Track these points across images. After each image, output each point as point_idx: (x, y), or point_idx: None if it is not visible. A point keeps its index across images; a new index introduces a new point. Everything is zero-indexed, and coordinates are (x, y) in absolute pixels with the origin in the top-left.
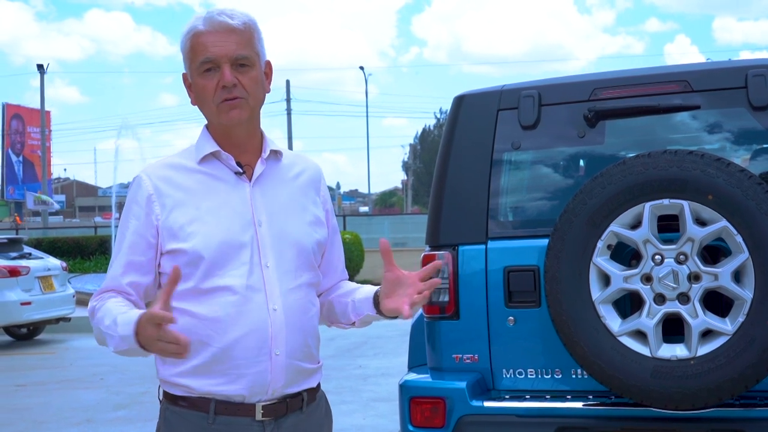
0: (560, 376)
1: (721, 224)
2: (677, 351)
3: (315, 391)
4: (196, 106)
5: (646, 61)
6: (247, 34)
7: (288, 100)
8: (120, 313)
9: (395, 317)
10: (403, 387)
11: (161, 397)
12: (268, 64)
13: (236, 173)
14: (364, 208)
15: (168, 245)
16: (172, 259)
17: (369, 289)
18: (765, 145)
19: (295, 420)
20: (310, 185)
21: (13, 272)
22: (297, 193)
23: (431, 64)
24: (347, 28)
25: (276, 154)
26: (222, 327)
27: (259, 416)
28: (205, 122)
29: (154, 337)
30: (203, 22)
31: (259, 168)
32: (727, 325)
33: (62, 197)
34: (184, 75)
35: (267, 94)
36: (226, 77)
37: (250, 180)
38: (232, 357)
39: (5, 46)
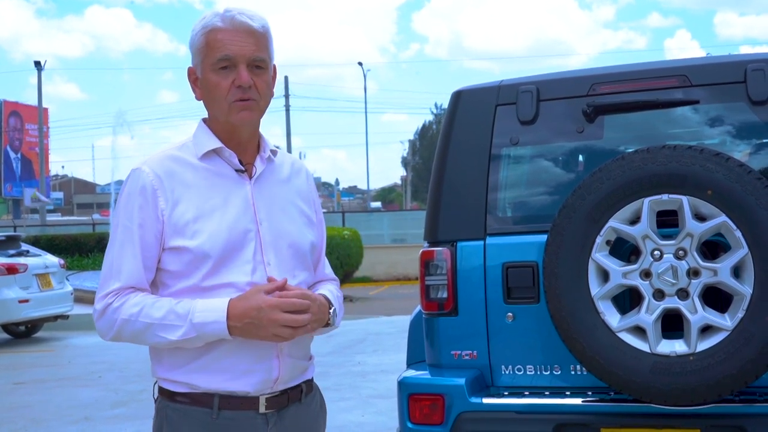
0: (559, 373)
1: (720, 219)
2: (676, 347)
3: (311, 382)
4: (200, 102)
5: (648, 56)
6: (264, 38)
7: (287, 96)
8: (176, 303)
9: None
10: (402, 384)
11: (157, 395)
12: (274, 68)
13: (237, 171)
14: (375, 203)
15: (172, 242)
16: (175, 256)
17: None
18: (764, 140)
19: (295, 411)
20: (301, 184)
21: (11, 270)
22: (291, 193)
23: (432, 59)
24: (347, 24)
25: (272, 153)
26: None
27: (262, 409)
28: (202, 117)
29: (278, 322)
30: (222, 19)
31: (259, 167)
32: (726, 321)
33: (60, 194)
34: (190, 69)
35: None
36: (243, 78)
37: (250, 178)
38: (237, 354)
39: (5, 42)
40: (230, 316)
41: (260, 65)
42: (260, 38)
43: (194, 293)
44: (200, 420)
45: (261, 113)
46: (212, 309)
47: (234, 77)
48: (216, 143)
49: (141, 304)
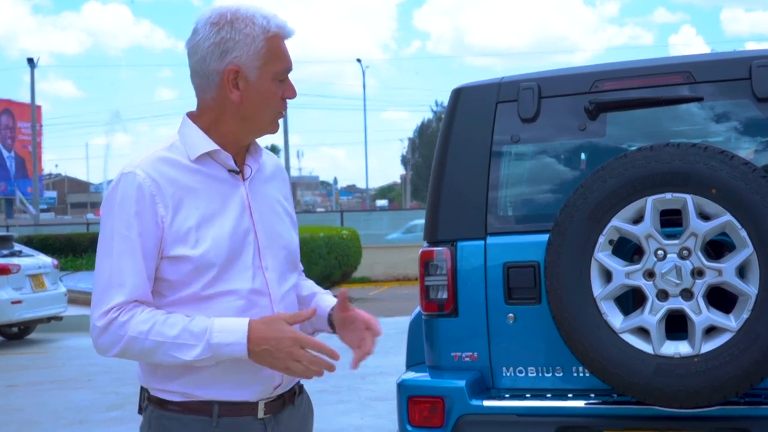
0: (561, 375)
1: (725, 218)
2: (680, 348)
3: (300, 384)
4: (235, 103)
5: (653, 52)
6: None
7: None
8: (190, 321)
9: None
10: (401, 386)
11: (145, 402)
12: None
13: (231, 172)
14: (382, 202)
15: (172, 251)
16: (174, 266)
17: (324, 304)
18: None
19: (288, 413)
20: (282, 182)
21: (4, 270)
22: (277, 191)
23: (433, 56)
24: (347, 21)
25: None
26: None
27: (261, 414)
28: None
29: (294, 356)
30: (279, 27)
31: (253, 167)
32: (731, 322)
33: (53, 193)
34: (235, 69)
35: None
36: (295, 93)
37: (243, 179)
38: (239, 368)
39: (1, 39)
40: (251, 338)
41: None
42: None
43: (193, 302)
44: (198, 429)
45: None
46: (231, 330)
47: (283, 90)
48: (211, 146)
49: (151, 321)
